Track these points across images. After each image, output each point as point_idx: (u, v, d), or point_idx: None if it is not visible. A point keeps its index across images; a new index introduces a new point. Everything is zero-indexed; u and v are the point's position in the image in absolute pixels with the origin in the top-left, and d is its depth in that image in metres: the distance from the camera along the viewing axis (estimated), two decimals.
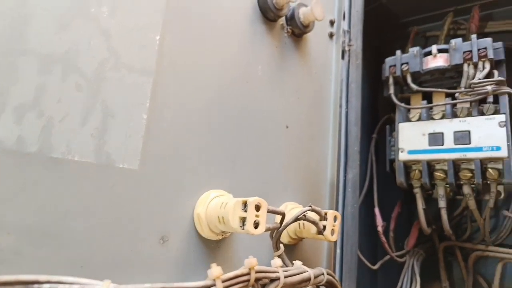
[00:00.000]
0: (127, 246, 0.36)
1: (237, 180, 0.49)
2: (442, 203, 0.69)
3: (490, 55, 0.66)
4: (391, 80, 0.76)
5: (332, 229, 0.51)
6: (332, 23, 0.72)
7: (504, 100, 0.64)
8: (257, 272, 0.38)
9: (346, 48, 0.77)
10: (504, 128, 0.62)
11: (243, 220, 0.38)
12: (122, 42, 0.38)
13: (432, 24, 0.92)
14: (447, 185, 0.69)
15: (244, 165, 0.50)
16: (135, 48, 0.39)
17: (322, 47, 0.70)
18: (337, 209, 0.70)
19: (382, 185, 0.92)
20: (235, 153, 0.49)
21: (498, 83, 0.64)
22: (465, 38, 0.75)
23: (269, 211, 0.40)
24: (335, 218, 0.51)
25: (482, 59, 0.67)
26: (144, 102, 0.39)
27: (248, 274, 0.38)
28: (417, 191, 0.73)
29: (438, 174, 0.69)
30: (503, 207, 0.78)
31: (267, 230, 0.40)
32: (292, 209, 0.54)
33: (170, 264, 0.40)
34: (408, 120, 0.74)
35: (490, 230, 0.79)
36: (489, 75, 0.67)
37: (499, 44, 0.68)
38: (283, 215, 0.43)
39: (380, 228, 0.74)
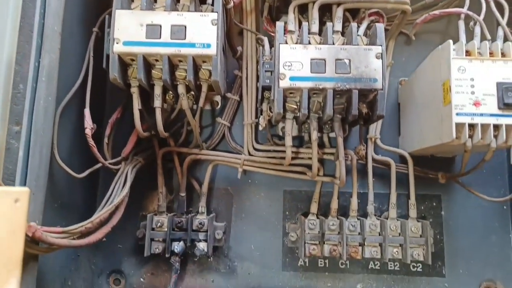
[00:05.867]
0: None
1: None
2: (157, 103, 0.65)
3: None
4: None
5: None
6: None
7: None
8: None
9: None
10: (215, 27, 0.62)
11: None
12: None
13: None
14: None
15: None
16: None
17: None
18: (20, 103, 0.54)
19: (106, 88, 0.82)
20: None
21: None
22: None
23: None
24: None
25: None
26: None
27: None
28: (134, 90, 0.65)
29: (156, 72, 0.64)
30: (219, 115, 0.84)
31: None
32: None
33: None
34: (128, 7, 0.64)
35: (207, 137, 0.84)
36: None
37: None
38: None
39: (88, 131, 0.63)
